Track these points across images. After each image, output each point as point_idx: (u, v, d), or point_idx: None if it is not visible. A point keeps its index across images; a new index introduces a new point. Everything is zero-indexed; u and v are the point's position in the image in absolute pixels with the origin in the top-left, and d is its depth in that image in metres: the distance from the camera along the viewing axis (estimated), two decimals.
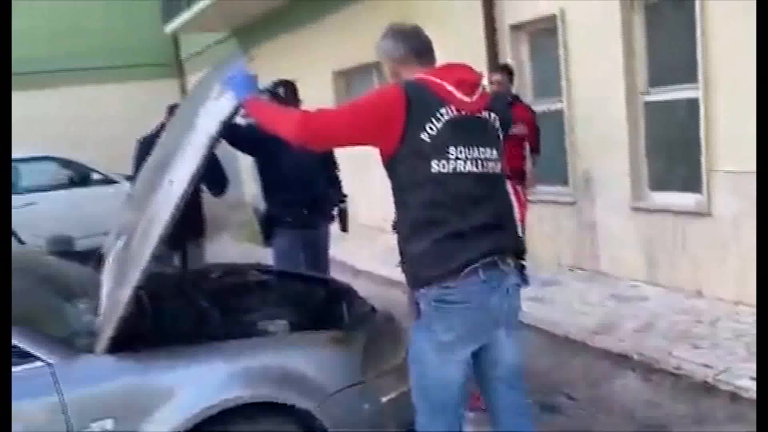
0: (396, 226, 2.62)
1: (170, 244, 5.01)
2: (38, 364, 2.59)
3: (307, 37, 10.72)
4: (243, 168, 9.75)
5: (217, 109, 2.78)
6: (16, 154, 10.20)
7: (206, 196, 5.49)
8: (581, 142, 6.34)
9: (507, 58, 6.86)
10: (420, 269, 2.51)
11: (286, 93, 4.90)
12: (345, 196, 5.19)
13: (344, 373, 2.97)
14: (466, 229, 2.47)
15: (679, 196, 5.67)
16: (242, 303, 3.64)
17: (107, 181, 9.97)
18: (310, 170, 4.77)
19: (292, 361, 2.90)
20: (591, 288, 6.09)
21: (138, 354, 2.74)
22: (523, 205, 5.87)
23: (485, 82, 2.64)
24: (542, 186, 6.94)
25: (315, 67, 10.48)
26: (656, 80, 5.77)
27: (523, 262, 6.38)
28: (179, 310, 3.38)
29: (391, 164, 2.51)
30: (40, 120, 15.56)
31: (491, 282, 2.50)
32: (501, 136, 2.63)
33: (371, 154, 2.54)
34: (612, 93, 5.88)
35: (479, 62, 6.72)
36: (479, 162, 2.50)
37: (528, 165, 6.02)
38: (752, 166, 4.91)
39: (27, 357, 2.59)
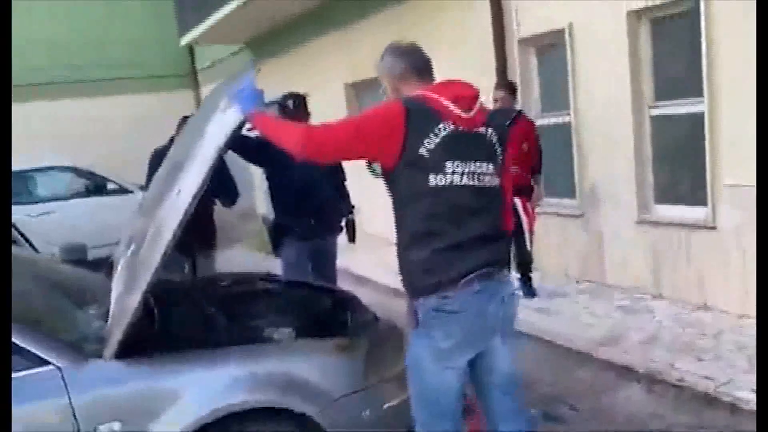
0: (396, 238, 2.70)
1: (181, 253, 5.14)
2: (49, 367, 2.67)
3: (319, 49, 10.84)
4: (255, 179, 9.86)
5: (223, 121, 2.87)
6: (33, 164, 10.47)
7: (219, 207, 5.61)
8: (588, 154, 6.40)
9: (516, 71, 6.94)
10: (419, 279, 2.59)
11: (295, 106, 5.00)
12: (353, 207, 5.27)
13: (347, 379, 3.04)
14: (464, 241, 2.55)
15: (685, 209, 5.71)
16: (249, 310, 3.71)
17: (122, 190, 10.10)
18: (318, 181, 4.85)
19: (296, 368, 2.98)
20: (597, 300, 6.13)
21: (145, 359, 2.82)
22: (531, 217, 5.96)
23: (484, 98, 2.73)
24: (549, 198, 6.99)
25: (326, 80, 10.60)
26: (662, 94, 5.82)
27: (530, 274, 6.44)
28: (187, 316, 3.46)
29: (390, 177, 2.60)
30: (58, 130, 15.81)
31: (487, 291, 2.58)
32: (499, 151, 2.69)
33: None
34: (619, 106, 5.93)
35: (489, 76, 6.80)
36: (476, 176, 2.57)
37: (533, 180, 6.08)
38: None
39: (38, 361, 2.68)
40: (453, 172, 2.53)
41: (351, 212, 5.25)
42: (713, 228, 5.35)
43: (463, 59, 7.43)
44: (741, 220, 5.12)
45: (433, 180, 2.51)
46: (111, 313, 2.95)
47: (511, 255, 5.88)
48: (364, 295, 4.76)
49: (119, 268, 3.32)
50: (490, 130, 2.66)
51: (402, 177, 2.56)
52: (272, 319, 3.65)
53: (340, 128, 2.64)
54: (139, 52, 16.88)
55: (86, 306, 3.23)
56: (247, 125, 2.81)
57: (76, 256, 4.60)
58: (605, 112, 6.11)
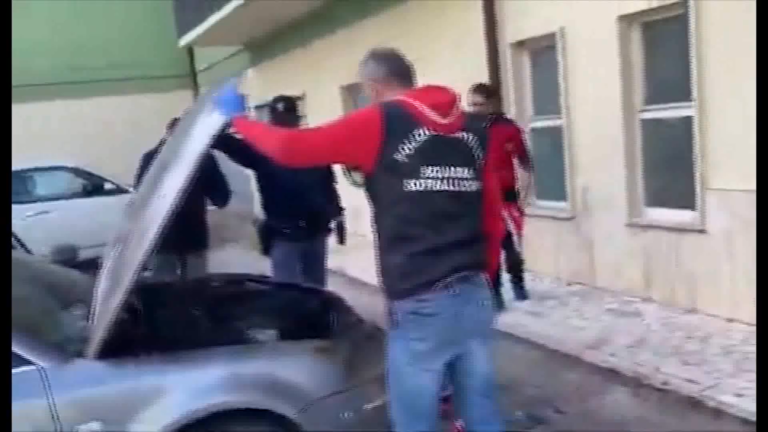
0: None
1: (172, 253, 5.17)
2: (31, 367, 2.70)
3: (317, 52, 10.88)
4: (252, 180, 9.89)
5: (206, 125, 2.91)
6: (32, 163, 10.52)
7: (227, 208, 5.64)
8: (580, 158, 6.43)
9: (509, 74, 6.98)
10: (395, 282, 2.62)
11: (285, 108, 5.04)
12: (342, 209, 5.30)
13: (327, 381, 3.06)
14: (441, 245, 2.58)
15: (675, 213, 5.74)
16: (235, 312, 3.75)
17: (119, 190, 10.13)
18: (308, 183, 4.87)
19: (277, 369, 3.00)
20: (587, 303, 6.15)
21: (128, 359, 2.85)
22: (518, 225, 5.87)
23: (465, 102, 2.76)
24: (542, 201, 7.03)
25: (324, 82, 10.64)
26: (653, 98, 5.85)
27: (522, 275, 6.41)
28: (173, 317, 3.50)
29: (369, 181, 2.64)
30: (57, 130, 15.91)
31: (464, 294, 2.61)
32: (479, 155, 2.71)
33: None
34: (610, 110, 5.96)
35: (481, 79, 6.81)
36: (453, 181, 2.60)
37: (520, 181, 6.02)
38: (745, 185, 5.00)
39: (21, 361, 2.71)
40: (430, 178, 2.56)
41: (341, 214, 5.29)
42: (702, 232, 5.37)
43: (458, 62, 7.48)
44: (730, 224, 5.15)
45: (410, 185, 2.54)
46: (94, 313, 2.99)
47: (502, 257, 5.90)
48: (355, 296, 4.80)
49: (104, 269, 3.35)
50: (469, 135, 2.68)
51: (379, 182, 2.59)
52: (257, 320, 3.69)
53: (320, 133, 2.67)
54: (138, 53, 16.97)
55: (72, 306, 3.26)
56: (230, 129, 2.85)
57: (67, 256, 4.63)
58: (596, 115, 6.14)
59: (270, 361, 3.06)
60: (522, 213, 6.00)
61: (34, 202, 10.18)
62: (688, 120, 5.39)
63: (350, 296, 4.31)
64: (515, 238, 5.94)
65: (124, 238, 3.28)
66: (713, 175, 5.23)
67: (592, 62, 6.10)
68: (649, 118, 5.88)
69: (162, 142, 5.03)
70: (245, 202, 8.83)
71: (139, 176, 5.12)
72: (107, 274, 3.25)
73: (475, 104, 5.56)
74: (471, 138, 2.69)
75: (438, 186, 2.57)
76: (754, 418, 3.86)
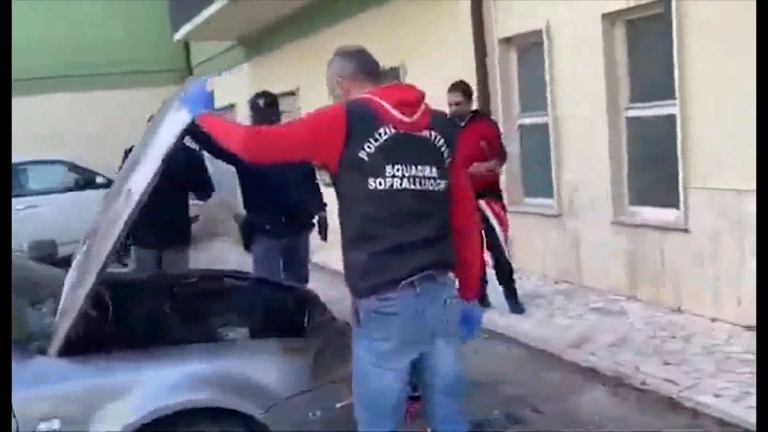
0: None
1: (150, 248, 5.16)
2: None
3: (310, 47, 10.83)
4: None
5: (173, 123, 2.88)
6: (25, 156, 10.49)
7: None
8: (565, 155, 6.40)
9: (496, 72, 6.95)
10: (358, 280, 2.59)
11: (266, 104, 5.02)
12: (325, 205, 5.27)
13: (295, 380, 3.03)
14: (404, 243, 2.55)
15: (659, 212, 5.72)
16: (208, 309, 3.73)
17: (111, 184, 10.09)
18: (289, 179, 4.86)
19: (243, 368, 2.97)
20: (572, 301, 6.13)
21: (91, 356, 2.83)
22: (504, 227, 5.72)
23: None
24: (529, 198, 7.01)
25: (317, 77, 10.44)
26: (637, 96, 5.83)
27: (515, 286, 6.06)
28: (143, 314, 3.48)
29: (334, 179, 2.62)
30: (53, 124, 15.88)
31: (428, 294, 2.58)
32: (446, 154, 2.69)
33: None
34: (595, 108, 5.93)
35: (469, 76, 6.79)
36: (417, 180, 2.57)
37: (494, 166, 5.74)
38: (728, 184, 4.98)
39: None
40: (393, 176, 2.53)
41: (323, 210, 5.26)
42: (686, 231, 5.35)
43: (446, 58, 7.45)
44: (713, 223, 5.12)
45: (373, 184, 2.52)
46: (59, 309, 2.97)
47: (492, 263, 5.82)
48: (338, 291, 4.77)
49: (73, 265, 3.33)
50: (434, 134, 2.65)
51: (343, 180, 2.57)
52: (230, 317, 3.67)
53: (283, 130, 2.67)
54: (134, 48, 16.93)
55: (40, 303, 3.24)
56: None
57: (45, 252, 4.60)
58: (581, 112, 6.12)
59: (237, 359, 3.03)
60: (505, 209, 5.86)
61: (26, 195, 10.17)
62: (672, 118, 5.36)
63: (335, 291, 4.28)
64: (500, 236, 5.76)
65: (93, 233, 3.26)
66: (696, 174, 5.21)
67: (577, 60, 6.08)
68: (634, 116, 5.86)
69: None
70: (234, 195, 8.81)
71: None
72: (74, 269, 3.23)
73: (454, 103, 5.51)
74: (437, 136, 2.66)
75: (402, 185, 2.55)
76: (731, 419, 3.88)
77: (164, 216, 5.11)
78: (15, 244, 6.08)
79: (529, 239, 6.81)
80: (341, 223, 2.67)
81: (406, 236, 2.55)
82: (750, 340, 4.77)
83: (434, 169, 2.63)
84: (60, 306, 2.99)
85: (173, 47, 16.38)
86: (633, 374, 4.56)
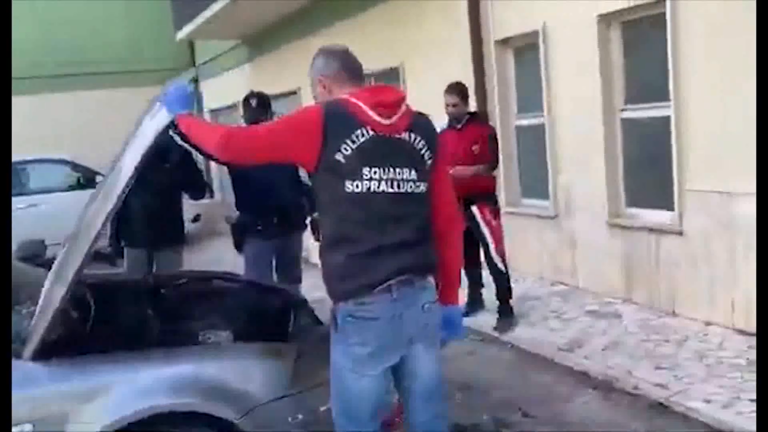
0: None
1: (142, 248, 5.14)
2: None
3: (312, 47, 10.72)
4: None
5: (152, 123, 2.87)
6: (27, 154, 10.51)
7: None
8: (562, 156, 6.35)
9: (493, 73, 6.91)
10: (335, 284, 2.57)
11: (258, 104, 5.01)
12: None
13: (274, 384, 3.00)
14: (381, 247, 2.52)
15: (654, 214, 5.66)
16: (193, 311, 3.71)
17: None
18: (281, 180, 4.85)
19: (221, 372, 2.94)
20: (568, 304, 6.08)
21: (66, 359, 2.80)
22: (496, 236, 5.54)
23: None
24: (526, 199, 6.97)
25: None
26: (633, 98, 5.77)
27: (510, 306, 5.84)
28: (125, 316, 3.45)
29: (312, 181, 2.60)
30: (57, 123, 15.91)
31: (406, 298, 2.55)
32: (426, 156, 2.65)
33: None
34: (590, 109, 5.88)
35: (469, 76, 6.76)
36: (395, 182, 2.54)
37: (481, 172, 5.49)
38: (722, 186, 4.93)
39: None
40: (370, 179, 2.50)
41: (315, 210, 5.23)
42: (680, 233, 5.30)
43: (444, 59, 7.41)
44: (707, 225, 5.07)
45: (350, 186, 2.49)
46: (36, 312, 2.94)
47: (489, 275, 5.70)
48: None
49: (53, 268, 3.32)
50: (414, 136, 2.62)
51: (321, 182, 2.55)
52: (214, 320, 3.64)
53: (260, 131, 2.65)
54: (136, 47, 16.98)
55: (19, 305, 3.21)
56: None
57: (33, 252, 4.58)
58: (577, 114, 6.07)
59: (216, 363, 3.00)
60: (499, 215, 5.64)
61: (28, 194, 10.20)
62: (667, 120, 5.31)
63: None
64: (491, 247, 5.52)
65: (74, 235, 3.24)
66: (690, 177, 5.16)
67: (573, 61, 6.04)
68: (629, 117, 5.81)
69: None
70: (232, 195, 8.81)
71: None
72: (53, 272, 3.21)
73: (450, 105, 5.46)
74: (417, 138, 2.62)
75: (379, 187, 2.52)
76: (720, 425, 3.83)
77: (156, 216, 5.10)
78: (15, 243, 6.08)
79: (525, 240, 6.77)
80: (320, 223, 2.66)
81: (384, 239, 2.52)
82: (741, 344, 4.74)
83: (413, 172, 2.60)
84: (37, 309, 2.97)
85: (175, 46, 16.38)
86: (625, 378, 4.51)
